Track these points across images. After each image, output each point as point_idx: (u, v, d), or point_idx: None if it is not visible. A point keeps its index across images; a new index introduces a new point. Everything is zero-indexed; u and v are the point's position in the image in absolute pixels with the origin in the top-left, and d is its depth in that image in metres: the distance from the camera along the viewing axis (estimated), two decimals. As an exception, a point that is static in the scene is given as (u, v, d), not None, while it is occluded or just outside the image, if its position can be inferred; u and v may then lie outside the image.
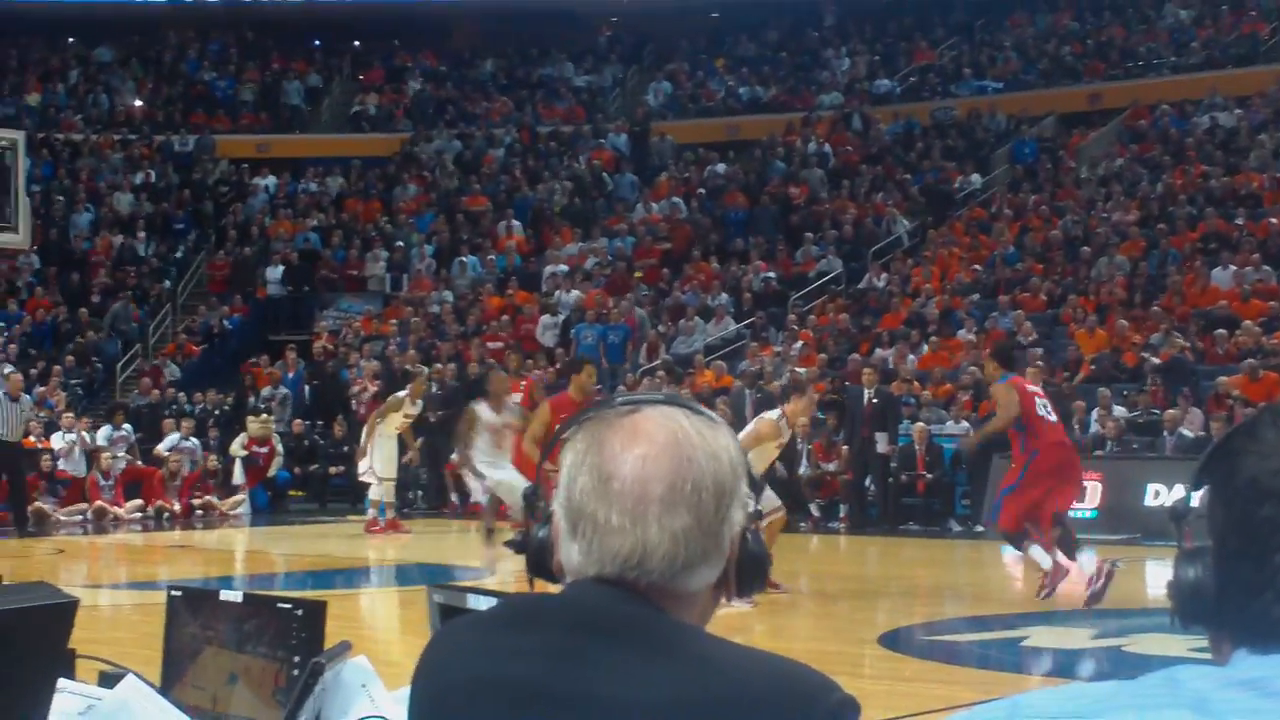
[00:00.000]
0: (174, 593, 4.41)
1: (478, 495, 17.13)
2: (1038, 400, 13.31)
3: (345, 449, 24.93)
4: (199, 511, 24.30)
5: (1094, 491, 19.51)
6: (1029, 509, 12.96)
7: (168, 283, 33.28)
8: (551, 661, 2.09)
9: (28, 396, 21.55)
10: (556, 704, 2.07)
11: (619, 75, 38.39)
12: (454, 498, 24.12)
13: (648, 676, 2.03)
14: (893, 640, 11.13)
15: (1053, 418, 13.42)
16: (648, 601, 2.11)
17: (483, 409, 16.47)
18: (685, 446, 2.14)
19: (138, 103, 38.65)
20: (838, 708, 2.01)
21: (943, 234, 29.88)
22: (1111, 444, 21.02)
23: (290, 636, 4.13)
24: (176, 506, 23.99)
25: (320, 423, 26.81)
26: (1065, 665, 10.34)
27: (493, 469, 16.15)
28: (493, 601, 3.25)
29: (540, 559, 2.28)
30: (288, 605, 4.09)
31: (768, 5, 36.68)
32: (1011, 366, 13.84)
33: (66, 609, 3.09)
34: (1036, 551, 12.86)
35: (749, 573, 2.22)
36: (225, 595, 4.28)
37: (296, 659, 4.17)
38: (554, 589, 2.25)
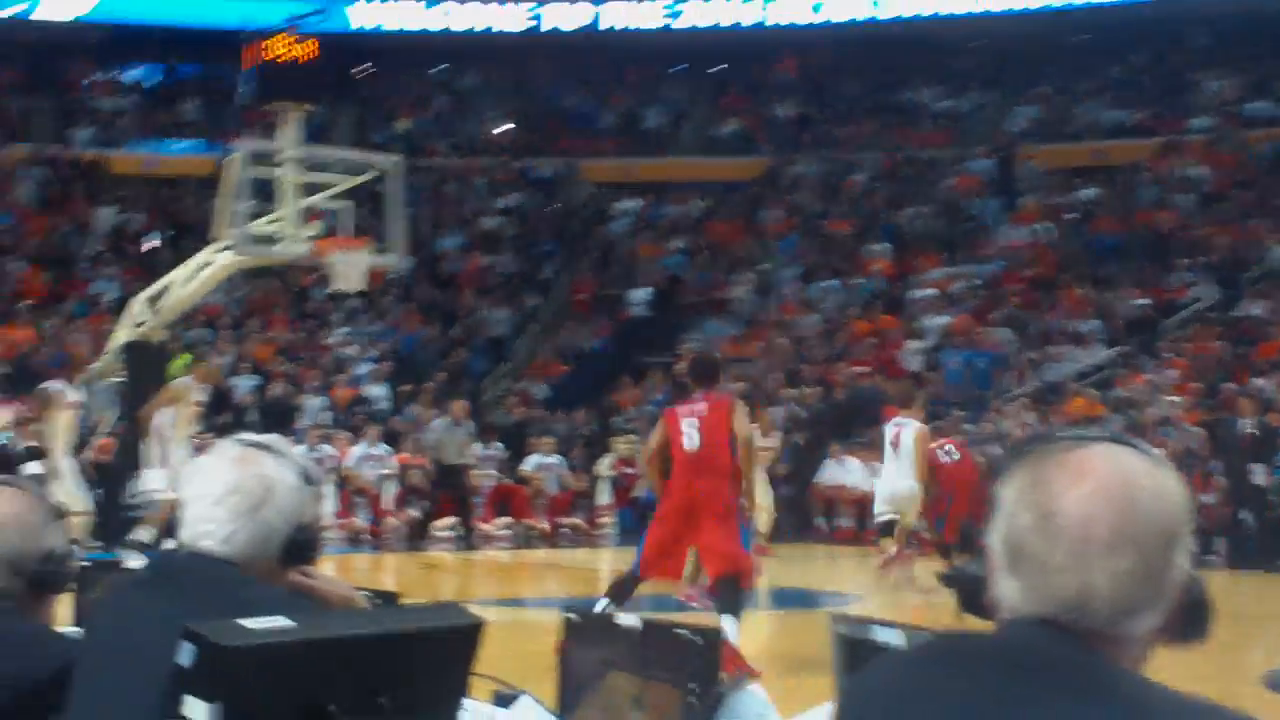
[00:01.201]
0: (571, 617, 4.38)
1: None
2: None
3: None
4: (565, 530, 24.59)
5: None
6: None
7: (533, 304, 33.80)
8: (987, 704, 2.06)
9: (470, 421, 22.28)
10: None
11: (982, 99, 37.78)
12: (820, 521, 24.00)
13: None
14: (1277, 682, 10.62)
15: None
16: (1086, 645, 2.08)
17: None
18: (1132, 487, 2.10)
19: (503, 128, 39.39)
20: None
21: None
22: None
23: (689, 664, 4.07)
24: (544, 525, 24.31)
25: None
26: None
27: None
28: (897, 634, 3.17)
29: (973, 595, 2.25)
30: (686, 632, 4.03)
31: (1136, 27, 35.74)
32: None
33: (474, 631, 3.07)
34: None
35: (1193, 619, 2.16)
36: (624, 621, 4.24)
37: (695, 686, 4.10)
38: (982, 626, 2.22)
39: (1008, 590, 2.13)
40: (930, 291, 30.70)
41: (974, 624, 2.28)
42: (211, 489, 3.36)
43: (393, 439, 25.65)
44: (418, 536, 23.65)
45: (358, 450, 24.36)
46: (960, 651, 2.17)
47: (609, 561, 22.45)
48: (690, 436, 11.60)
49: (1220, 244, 30.15)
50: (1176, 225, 31.44)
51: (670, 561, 12.10)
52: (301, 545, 3.41)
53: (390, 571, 20.06)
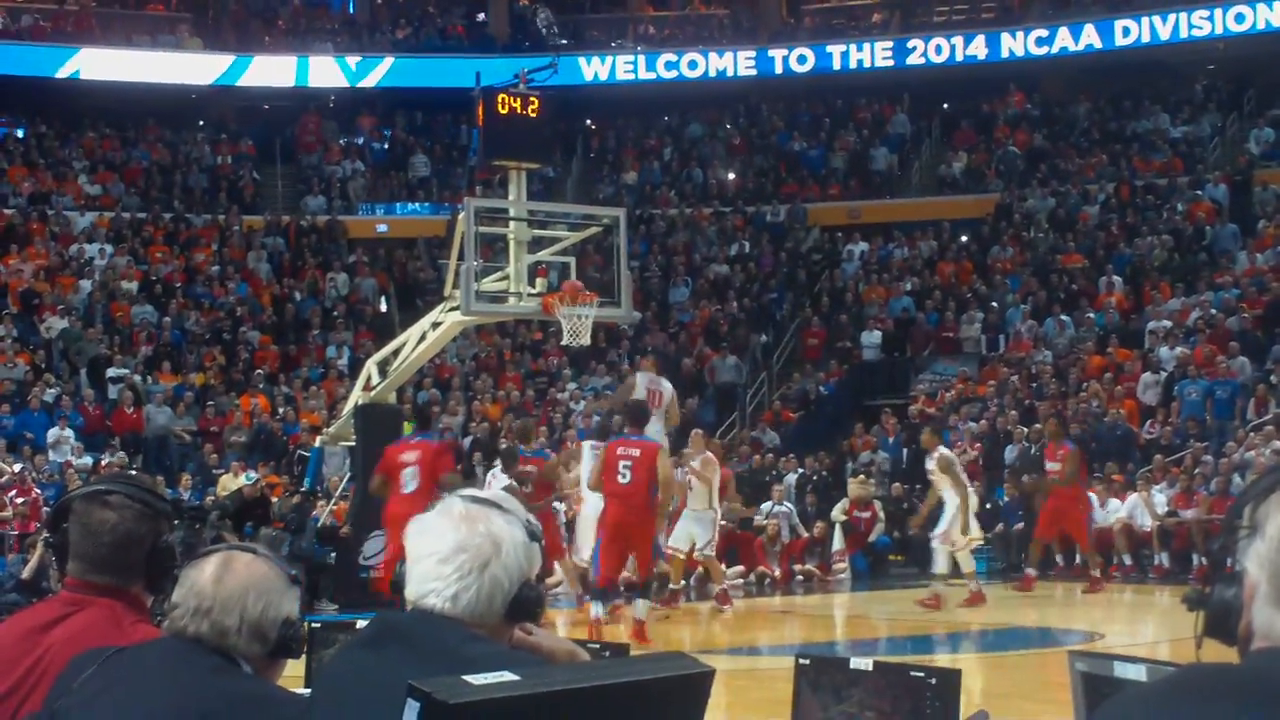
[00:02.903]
0: (803, 660, 4.35)
1: None
2: None
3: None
4: (799, 577, 24.47)
5: None
6: None
7: (764, 350, 33.85)
8: None
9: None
10: None
11: (1217, 124, 37.02)
12: (1060, 559, 23.63)
13: None
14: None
15: None
16: None
17: None
18: None
19: (730, 175, 39.59)
20: None
21: None
22: None
23: (925, 705, 4.01)
24: (777, 572, 24.23)
25: (919, 486, 26.67)
26: None
27: None
28: (1140, 669, 3.09)
29: (1223, 620, 2.17)
30: (921, 673, 3.99)
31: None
32: None
33: (704, 679, 3.04)
34: None
35: None
36: (856, 663, 4.20)
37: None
38: (1229, 654, 2.16)
39: (1274, 622, 2.04)
40: (1165, 323, 30.12)
41: (1215, 652, 2.21)
42: (438, 547, 3.40)
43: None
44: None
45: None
46: (1213, 684, 2.06)
47: (844, 606, 22.35)
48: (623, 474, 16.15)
49: None
50: None
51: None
52: (526, 602, 3.44)
53: (625, 621, 20.16)
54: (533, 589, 3.44)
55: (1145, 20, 37.26)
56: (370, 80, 39.74)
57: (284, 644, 3.73)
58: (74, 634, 3.99)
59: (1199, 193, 35.00)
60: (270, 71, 39.11)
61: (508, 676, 2.78)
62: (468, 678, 2.75)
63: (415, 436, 18.26)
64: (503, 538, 3.40)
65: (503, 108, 21.00)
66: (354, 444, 21.93)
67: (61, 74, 37.12)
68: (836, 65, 39.58)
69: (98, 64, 37.55)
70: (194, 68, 38.77)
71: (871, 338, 33.55)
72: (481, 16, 43.17)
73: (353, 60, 39.73)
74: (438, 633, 3.30)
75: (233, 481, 24.88)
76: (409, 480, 16.92)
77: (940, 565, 19.89)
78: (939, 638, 17.24)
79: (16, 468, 23.97)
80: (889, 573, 25.61)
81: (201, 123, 39.85)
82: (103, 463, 25.15)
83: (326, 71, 39.60)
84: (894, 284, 35.27)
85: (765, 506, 25.79)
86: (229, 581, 3.69)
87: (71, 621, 4.08)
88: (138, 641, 3.87)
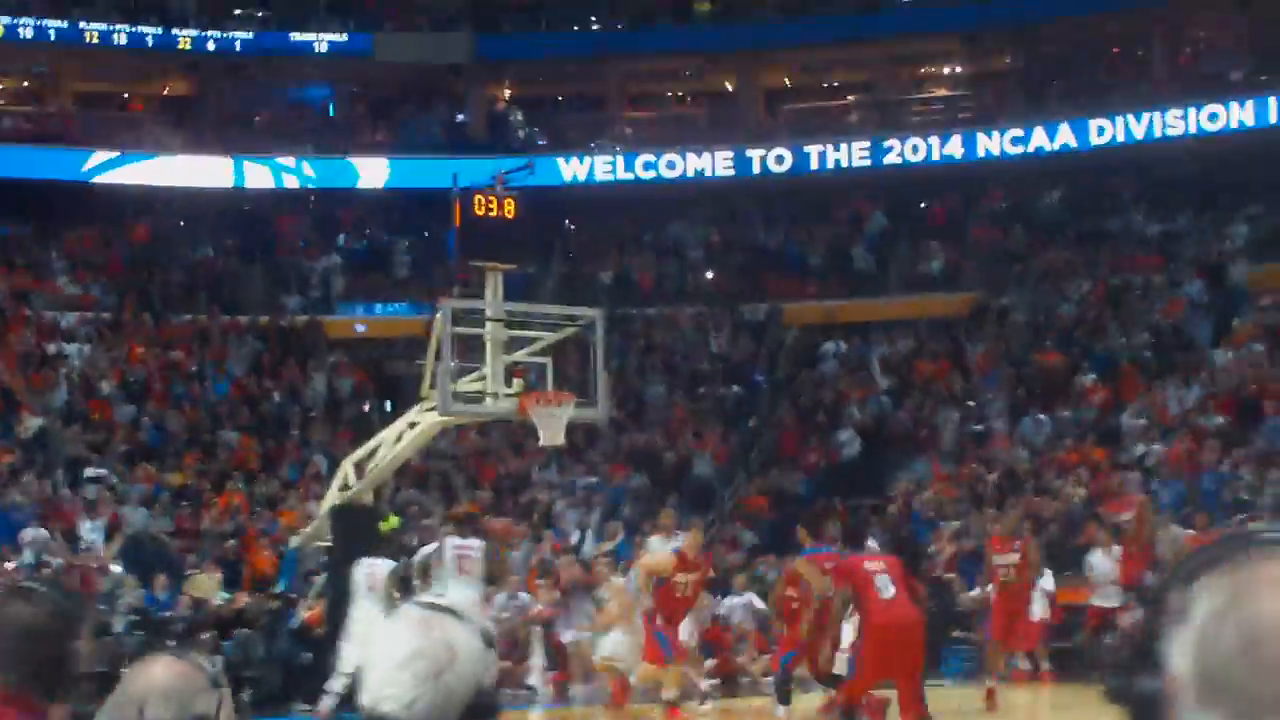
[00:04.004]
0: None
1: None
2: None
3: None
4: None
5: None
6: None
7: (741, 448, 33.99)
8: None
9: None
10: None
11: (1194, 222, 37.29)
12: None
13: None
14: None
15: None
16: None
17: None
18: None
19: (709, 274, 39.80)
20: None
21: None
22: None
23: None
24: (754, 667, 24.09)
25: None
26: None
27: None
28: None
29: (1149, 716, 1.97)
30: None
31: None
32: None
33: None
34: None
35: None
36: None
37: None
38: None
39: None
40: (1143, 421, 30.24)
41: None
42: (394, 653, 3.44)
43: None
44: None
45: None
46: None
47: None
48: None
49: None
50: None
51: None
52: (481, 709, 3.47)
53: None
54: (488, 695, 3.48)
55: (1119, 120, 37.65)
56: (347, 180, 39.99)
57: None
58: None
59: (1178, 290, 35.20)
60: (252, 173, 39.37)
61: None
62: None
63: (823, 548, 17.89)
64: (458, 645, 3.45)
65: (479, 209, 21.18)
66: (330, 544, 21.93)
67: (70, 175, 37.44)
68: (814, 165, 39.87)
69: (77, 163, 37.88)
70: (189, 170, 39.09)
71: (848, 435, 33.61)
72: (460, 118, 43.46)
73: (327, 161, 40.04)
74: None
75: (206, 582, 24.86)
76: (885, 588, 15.85)
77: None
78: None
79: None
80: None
81: (182, 222, 40.00)
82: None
83: (303, 172, 39.88)
84: (871, 382, 35.38)
85: (726, 600, 25.47)
86: (136, 683, 3.76)
87: None
88: None
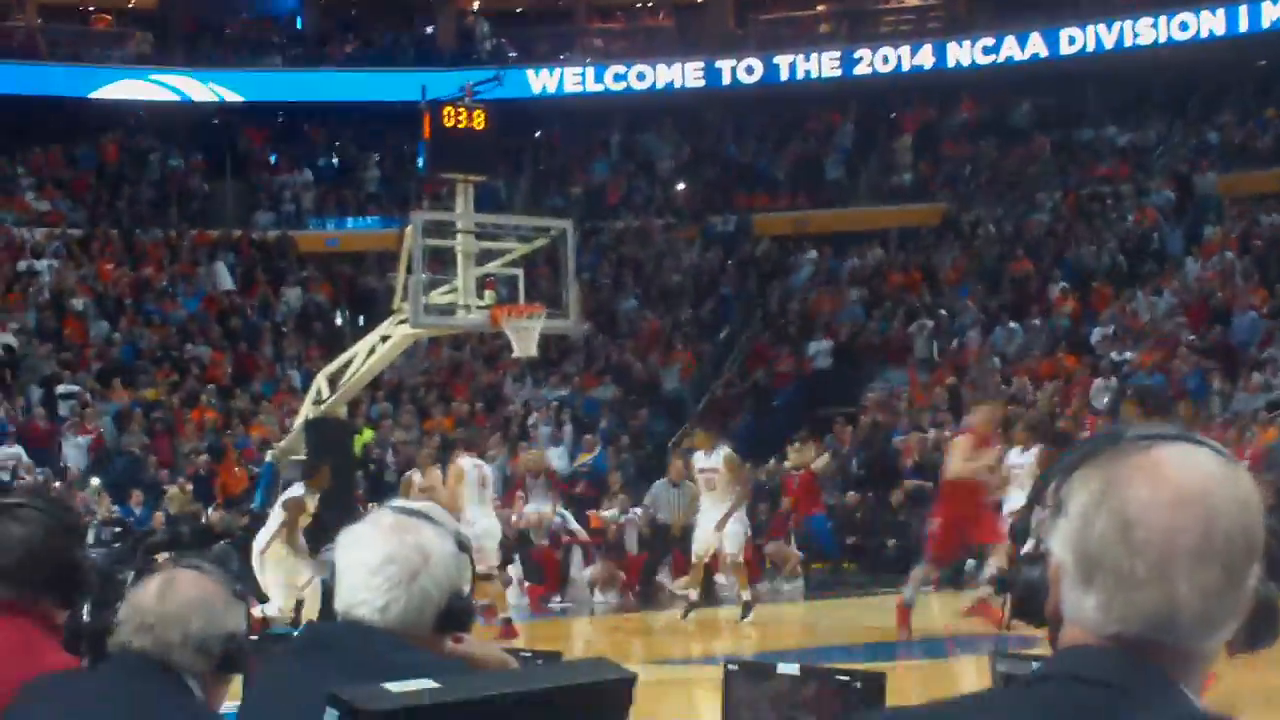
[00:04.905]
0: (730, 667, 4.41)
1: None
2: None
3: (901, 519, 24.80)
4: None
5: None
6: None
7: (714, 360, 34.00)
8: None
9: (689, 482, 21.69)
10: None
11: (1164, 131, 37.26)
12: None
13: None
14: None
15: None
16: (1163, 672, 1.97)
17: None
18: (1214, 492, 1.99)
19: (679, 186, 39.70)
20: None
21: None
22: None
23: (851, 708, 4.09)
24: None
25: (871, 494, 26.87)
26: None
27: None
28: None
29: (1030, 601, 2.13)
30: (845, 677, 4.05)
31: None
32: None
33: (625, 685, 3.09)
34: None
35: (1263, 625, 2.07)
36: (782, 668, 4.26)
37: (856, 731, 4.12)
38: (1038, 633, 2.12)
39: (1081, 605, 2.00)
40: (1113, 329, 30.33)
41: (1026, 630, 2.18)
42: (367, 558, 3.42)
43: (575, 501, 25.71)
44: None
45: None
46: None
47: (795, 617, 22.38)
48: None
49: None
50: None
51: None
52: (457, 613, 3.47)
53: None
54: (462, 599, 3.46)
55: (1090, 29, 37.51)
56: (318, 94, 39.71)
57: (229, 659, 3.77)
58: None
59: (1145, 199, 35.25)
60: (220, 87, 39.08)
61: (428, 684, 2.81)
62: (388, 685, 2.76)
63: None
64: (432, 549, 3.41)
65: (449, 121, 21.06)
66: (305, 458, 21.91)
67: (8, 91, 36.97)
68: (784, 76, 39.69)
69: (45, 80, 37.52)
70: (156, 85, 38.75)
71: (821, 346, 33.67)
72: (429, 29, 43.16)
73: (300, 74, 39.76)
74: (366, 643, 3.32)
75: (179, 496, 24.92)
76: None
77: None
78: (870, 645, 17.26)
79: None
80: (844, 581, 25.47)
81: (150, 137, 39.73)
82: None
83: (274, 86, 39.61)
84: (843, 293, 35.40)
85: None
86: (172, 598, 3.74)
87: None
88: (49, 664, 3.89)
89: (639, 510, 24.71)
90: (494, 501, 20.94)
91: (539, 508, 23.66)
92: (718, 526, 18.92)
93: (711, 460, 19.21)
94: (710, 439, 19.84)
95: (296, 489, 17.77)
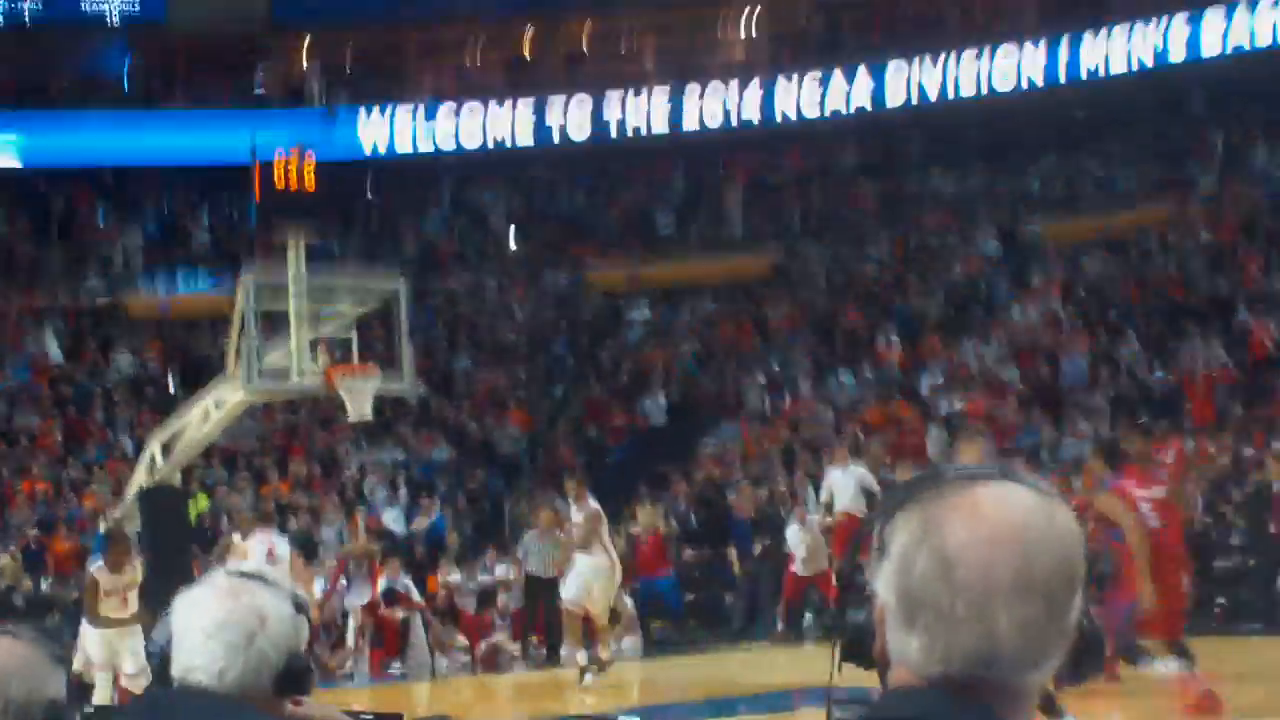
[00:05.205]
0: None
1: None
2: None
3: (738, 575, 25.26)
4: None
5: None
6: None
7: (549, 418, 34.03)
8: None
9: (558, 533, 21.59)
10: None
11: (988, 180, 37.90)
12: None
13: None
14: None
15: None
16: (989, 711, 1.99)
17: None
18: (1032, 528, 2.01)
19: (512, 245, 39.69)
20: None
21: None
22: None
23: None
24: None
25: (709, 550, 27.05)
26: None
27: None
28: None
29: (858, 644, 2.16)
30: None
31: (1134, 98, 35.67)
32: None
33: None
34: None
35: (1087, 656, 2.10)
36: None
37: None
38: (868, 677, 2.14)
39: (906, 646, 2.01)
40: (942, 377, 30.79)
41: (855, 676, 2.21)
42: (203, 622, 3.43)
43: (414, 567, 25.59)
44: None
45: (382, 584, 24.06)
46: None
47: (637, 674, 22.42)
48: None
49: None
50: (1185, 292, 31.47)
51: None
52: (295, 674, 3.48)
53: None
54: (300, 660, 3.48)
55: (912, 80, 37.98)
56: (147, 152, 39.07)
57: None
58: None
59: (974, 247, 35.79)
60: (45, 147, 38.41)
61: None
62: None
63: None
64: (268, 611, 3.43)
65: (280, 180, 21.04)
66: (138, 530, 21.58)
67: None
68: (615, 131, 39.68)
69: None
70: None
71: (656, 402, 33.81)
72: (259, 91, 42.71)
73: (128, 132, 39.16)
74: (205, 709, 3.32)
75: (11, 565, 24.59)
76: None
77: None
78: (713, 701, 17.34)
79: None
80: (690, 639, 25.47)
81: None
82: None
83: (101, 145, 39.00)
84: (676, 347, 35.53)
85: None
86: None
87: None
88: None
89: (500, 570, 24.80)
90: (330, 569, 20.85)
91: (358, 600, 23.38)
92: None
93: (577, 514, 19.34)
94: (580, 489, 19.91)
95: (95, 561, 17.58)
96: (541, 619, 23.18)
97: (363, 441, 31.82)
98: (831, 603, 18.91)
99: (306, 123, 35.15)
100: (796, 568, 22.98)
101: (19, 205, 39.24)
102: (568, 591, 19.24)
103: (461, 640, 23.91)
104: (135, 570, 16.83)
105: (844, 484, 22.48)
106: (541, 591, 23.02)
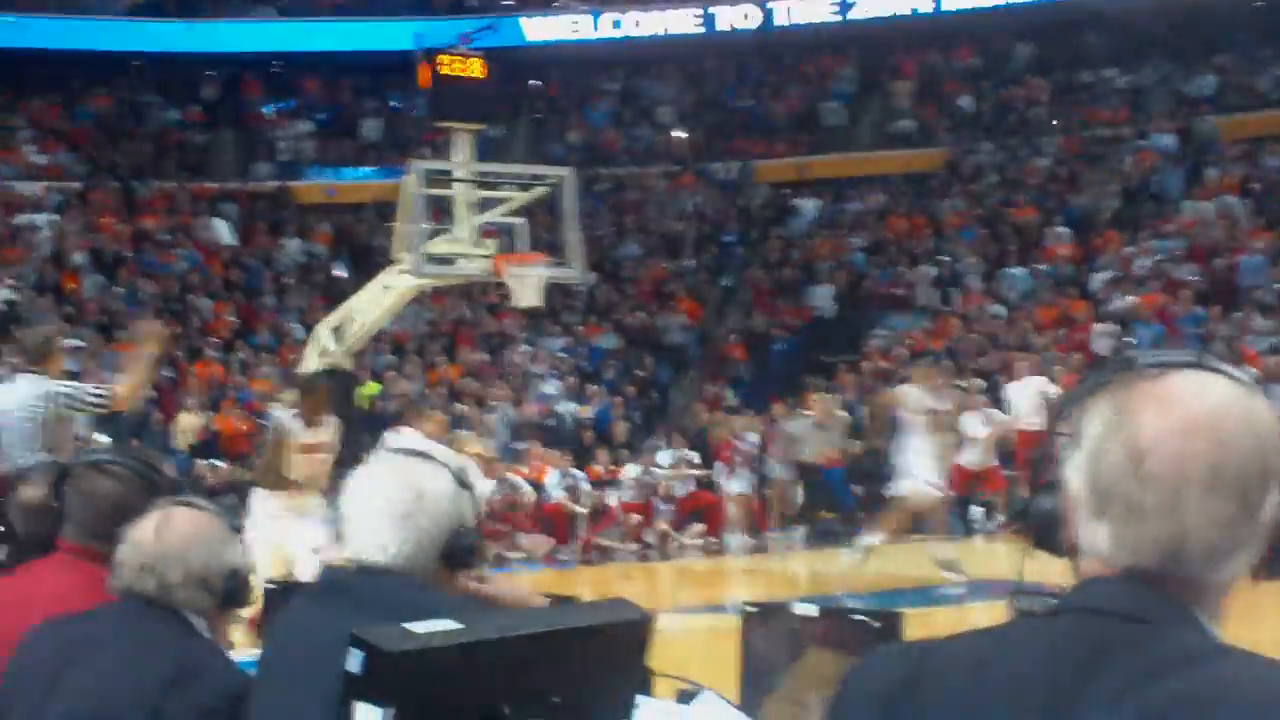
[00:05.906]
0: (749, 609, 4.40)
1: None
2: None
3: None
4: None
5: None
6: None
7: (717, 308, 33.94)
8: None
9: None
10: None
11: (1163, 72, 37.10)
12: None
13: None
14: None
15: None
16: (1180, 602, 1.96)
17: None
18: (1228, 420, 1.96)
19: (678, 133, 39.51)
20: None
21: None
22: None
23: (867, 649, 4.05)
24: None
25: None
26: None
27: None
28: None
29: (1048, 531, 2.11)
30: (863, 618, 4.03)
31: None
32: None
33: (643, 624, 3.08)
34: None
35: None
36: (799, 609, 4.25)
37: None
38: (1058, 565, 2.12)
39: (1095, 535, 2.00)
40: (1115, 272, 30.27)
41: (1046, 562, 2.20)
42: (368, 502, 3.45)
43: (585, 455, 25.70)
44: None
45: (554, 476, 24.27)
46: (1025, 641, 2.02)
47: (803, 564, 22.40)
48: None
49: None
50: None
51: None
52: (460, 550, 3.46)
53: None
54: (465, 535, 3.46)
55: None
56: (313, 44, 39.43)
57: (231, 595, 3.78)
58: (61, 594, 4.09)
59: (1144, 142, 35.12)
60: (217, 36, 38.87)
61: (448, 624, 2.81)
62: (410, 626, 2.77)
63: None
64: (426, 487, 3.44)
65: (446, 69, 20.99)
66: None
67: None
68: (780, 21, 39.37)
69: (42, 32, 37.30)
70: (139, 34, 38.53)
71: (823, 293, 33.59)
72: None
73: (294, 24, 39.50)
74: (379, 584, 3.37)
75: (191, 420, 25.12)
76: None
77: None
78: (883, 593, 17.24)
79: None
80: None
81: (146, 88, 39.55)
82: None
83: (269, 36, 39.39)
84: (845, 239, 35.32)
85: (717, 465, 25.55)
86: (169, 536, 3.73)
87: (58, 582, 4.21)
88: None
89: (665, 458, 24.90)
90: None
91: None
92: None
93: (943, 401, 18.47)
94: (945, 377, 19.20)
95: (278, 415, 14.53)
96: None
97: (530, 330, 31.91)
98: (999, 496, 18.74)
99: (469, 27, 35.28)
100: (963, 459, 22.59)
101: (190, 95, 39.73)
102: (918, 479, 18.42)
103: (622, 528, 23.95)
104: (329, 430, 13.55)
105: (1022, 397, 22.33)
106: (811, 477, 24.34)
